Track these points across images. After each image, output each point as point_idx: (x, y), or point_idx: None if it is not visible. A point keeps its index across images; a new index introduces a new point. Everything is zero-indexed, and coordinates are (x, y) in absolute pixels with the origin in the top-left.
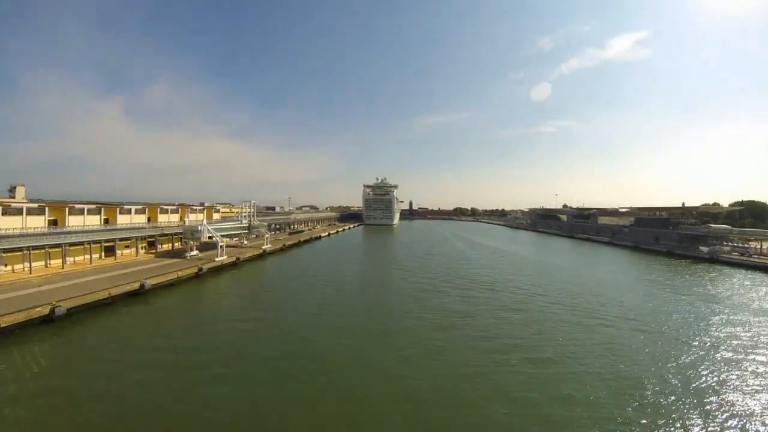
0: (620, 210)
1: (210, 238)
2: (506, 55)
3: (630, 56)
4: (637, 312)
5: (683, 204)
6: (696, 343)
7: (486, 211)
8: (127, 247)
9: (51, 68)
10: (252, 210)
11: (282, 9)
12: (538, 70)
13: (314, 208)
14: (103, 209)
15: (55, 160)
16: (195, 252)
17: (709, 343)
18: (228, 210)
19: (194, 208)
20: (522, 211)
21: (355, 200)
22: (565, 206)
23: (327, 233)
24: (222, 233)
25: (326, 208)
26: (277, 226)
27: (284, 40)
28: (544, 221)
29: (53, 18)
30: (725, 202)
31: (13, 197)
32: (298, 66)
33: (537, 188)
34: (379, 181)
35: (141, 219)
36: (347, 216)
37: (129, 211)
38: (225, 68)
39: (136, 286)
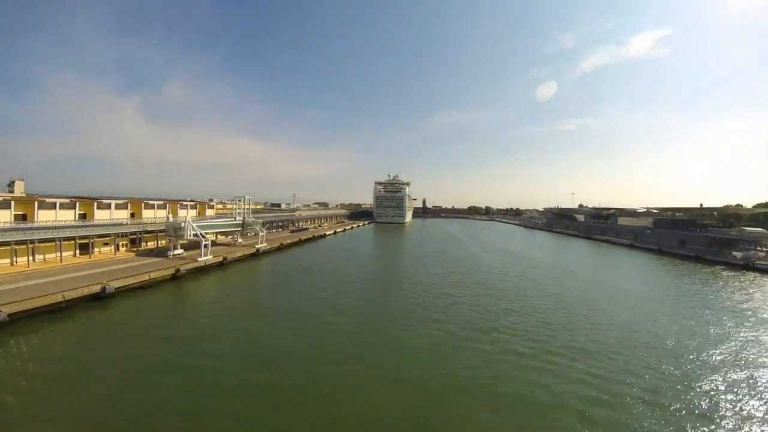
0: (638, 211)
1: (195, 236)
2: (527, 52)
3: (651, 54)
4: (678, 338)
5: (701, 205)
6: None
7: (500, 210)
8: (105, 244)
9: (70, 68)
10: (247, 207)
11: (299, 7)
12: (559, 67)
13: (323, 206)
14: (78, 204)
15: (74, 158)
16: (179, 251)
17: None
18: (222, 207)
19: (184, 203)
20: (537, 211)
21: (368, 198)
22: (581, 206)
23: (333, 231)
24: (213, 230)
25: (336, 206)
26: (280, 224)
27: (301, 38)
28: (561, 221)
29: (72, 19)
30: (747, 204)
31: (12, 191)
32: (315, 65)
33: (552, 187)
34: (391, 177)
35: (122, 215)
36: (358, 214)
37: (108, 206)
38: (243, 66)
39: (97, 289)
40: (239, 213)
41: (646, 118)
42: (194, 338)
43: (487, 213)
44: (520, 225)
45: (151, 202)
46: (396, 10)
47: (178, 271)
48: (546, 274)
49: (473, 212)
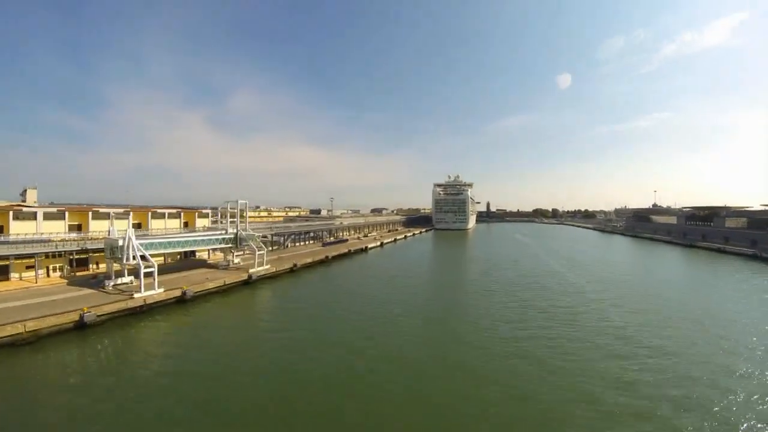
0: (753, 210)
1: (142, 257)
2: (595, 47)
3: (729, 43)
4: None
5: None
6: None
7: (568, 212)
8: (29, 267)
9: (137, 83)
10: (243, 214)
11: (363, 18)
12: (631, 61)
13: (377, 212)
14: (68, 214)
15: (144, 169)
16: (126, 279)
17: None
18: (267, 214)
19: (158, 212)
20: (615, 212)
21: (427, 202)
22: (668, 207)
23: (380, 243)
24: (183, 248)
25: (393, 212)
26: (312, 235)
27: (364, 48)
28: (645, 224)
29: (139, 37)
30: None
31: (24, 200)
32: (379, 73)
33: (622, 187)
34: (452, 179)
35: (57, 227)
36: (415, 220)
37: (33, 217)
38: (309, 76)
39: None
40: (232, 223)
41: (729, 108)
42: None
43: (554, 216)
44: (594, 229)
45: (103, 211)
46: (446, 9)
47: (81, 319)
48: (674, 323)
49: (539, 215)
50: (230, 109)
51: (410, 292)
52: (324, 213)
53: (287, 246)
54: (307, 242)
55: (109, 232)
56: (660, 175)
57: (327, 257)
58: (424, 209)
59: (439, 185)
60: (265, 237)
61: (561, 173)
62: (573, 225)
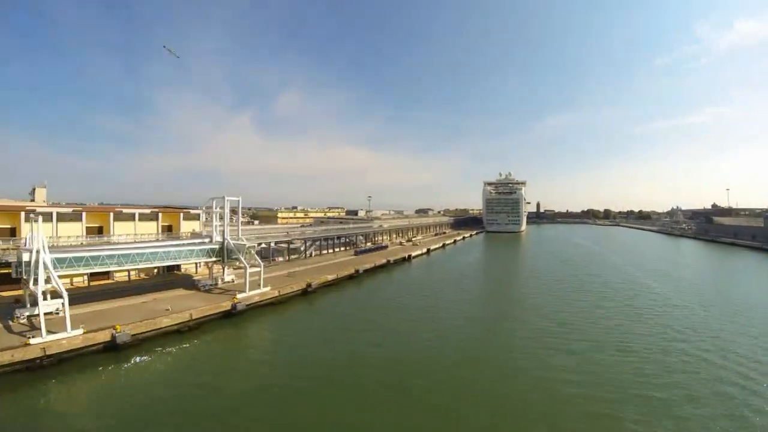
0: None
1: (47, 280)
2: (652, 40)
3: None
4: None
5: None
6: None
7: (621, 213)
8: None
9: (184, 87)
10: (234, 216)
11: (410, 20)
12: (686, 53)
13: (423, 213)
14: None
15: (189, 171)
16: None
17: None
18: (303, 215)
19: (124, 212)
20: (683, 212)
21: (476, 203)
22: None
23: (425, 249)
24: (138, 264)
25: (439, 212)
26: (344, 240)
27: (411, 49)
28: (721, 227)
29: (186, 42)
30: None
31: (33, 199)
32: (426, 74)
33: (677, 186)
34: (503, 177)
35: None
36: (464, 221)
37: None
38: (355, 76)
39: None
40: (219, 229)
41: None
42: None
43: (607, 216)
44: (659, 232)
45: (128, 211)
46: (497, 9)
47: None
48: None
49: (590, 216)
50: (276, 111)
51: (477, 332)
52: (362, 214)
53: (310, 255)
54: (337, 249)
55: (25, 240)
56: (721, 173)
57: (357, 271)
58: (473, 210)
59: (489, 183)
60: (280, 244)
61: (609, 173)
62: (630, 227)
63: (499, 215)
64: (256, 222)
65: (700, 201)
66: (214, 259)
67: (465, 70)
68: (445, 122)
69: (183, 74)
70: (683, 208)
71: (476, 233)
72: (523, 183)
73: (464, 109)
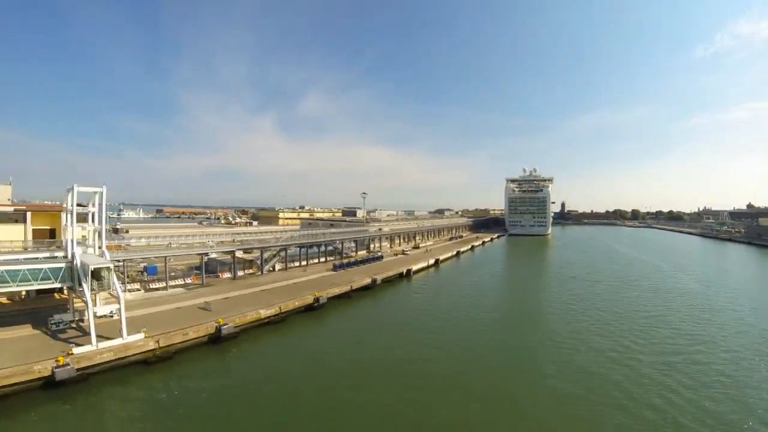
0: None
1: None
2: (689, 35)
3: None
4: None
5: None
6: None
7: (649, 213)
8: None
9: (209, 89)
10: (101, 221)
11: (437, 24)
12: (721, 48)
13: (438, 213)
14: None
15: (213, 171)
16: None
17: None
18: (308, 215)
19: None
20: (729, 214)
21: (494, 202)
22: None
23: (433, 260)
24: None
25: (456, 213)
26: (329, 249)
27: (430, 50)
28: None
29: (211, 45)
30: None
31: None
32: (448, 75)
33: (707, 186)
34: (527, 173)
35: None
36: (484, 223)
37: None
38: (379, 77)
39: None
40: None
41: None
42: None
43: (635, 217)
44: (700, 235)
45: None
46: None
47: None
48: None
49: (618, 216)
50: (298, 112)
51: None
52: (361, 214)
53: (272, 269)
54: (317, 260)
55: None
56: (747, 173)
57: (316, 301)
58: (494, 210)
59: (512, 180)
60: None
61: (633, 172)
62: (665, 229)
63: (523, 216)
64: (255, 223)
65: (729, 201)
66: (58, 285)
67: (487, 69)
68: (465, 122)
69: (208, 76)
70: (710, 208)
71: (497, 236)
72: (550, 180)
73: (485, 109)
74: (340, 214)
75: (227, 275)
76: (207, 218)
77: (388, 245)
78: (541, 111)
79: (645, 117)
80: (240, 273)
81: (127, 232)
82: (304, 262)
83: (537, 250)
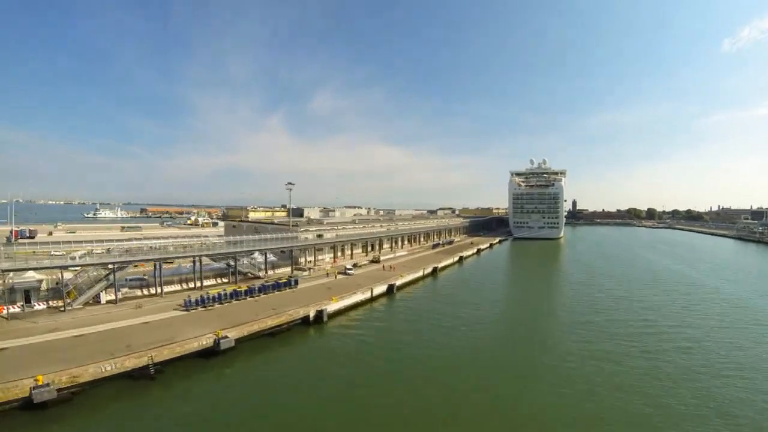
0: None
1: None
2: (713, 31)
3: None
4: None
5: None
6: None
7: (665, 212)
8: None
9: (220, 89)
10: None
11: (450, 26)
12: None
13: (431, 212)
14: None
15: (223, 171)
16: None
17: None
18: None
19: None
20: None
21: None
22: None
23: (381, 287)
24: None
25: (453, 212)
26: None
27: (438, 53)
28: None
29: (220, 45)
30: None
31: None
32: (465, 74)
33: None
34: (535, 165)
35: None
36: (485, 224)
37: None
38: (389, 75)
39: None
40: None
41: None
42: None
43: (651, 217)
44: (736, 238)
45: None
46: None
47: None
48: None
49: (634, 216)
50: (309, 111)
51: None
52: (312, 214)
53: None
54: (220, 279)
55: None
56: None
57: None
58: (498, 209)
59: (518, 174)
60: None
61: (641, 171)
62: (692, 230)
63: (530, 215)
64: (221, 223)
65: (738, 201)
66: None
67: (502, 66)
68: (477, 121)
69: (219, 75)
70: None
71: (498, 241)
72: (563, 173)
73: (499, 106)
74: (285, 215)
75: (40, 306)
76: (171, 218)
77: (332, 258)
78: (555, 109)
79: (658, 115)
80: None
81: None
82: (182, 285)
83: (548, 264)
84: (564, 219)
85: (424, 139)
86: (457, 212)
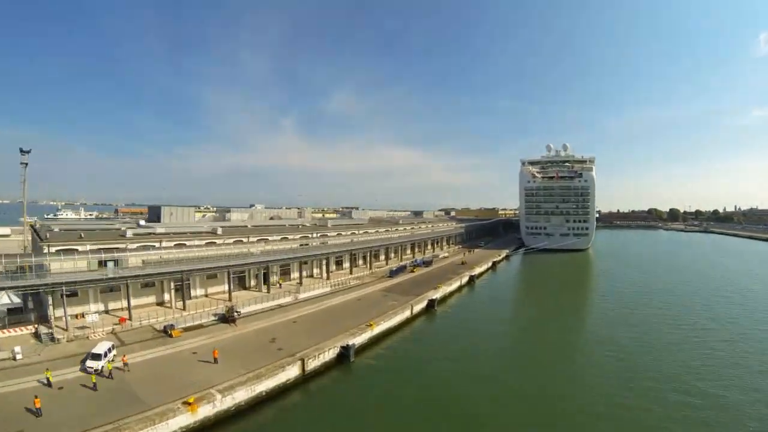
0: None
1: None
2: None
3: None
4: None
5: None
6: None
7: (688, 213)
8: None
9: (235, 88)
10: None
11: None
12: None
13: (416, 214)
14: None
15: (237, 171)
16: None
17: None
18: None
19: None
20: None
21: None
22: None
23: None
24: None
25: (446, 213)
26: None
27: (457, 51)
28: None
29: (236, 44)
30: None
31: None
32: (480, 74)
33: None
34: (552, 152)
35: None
36: (489, 228)
37: None
38: (403, 75)
39: None
40: None
41: None
42: None
43: (674, 218)
44: None
45: None
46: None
47: None
48: None
49: (656, 217)
50: (325, 112)
51: None
52: (236, 217)
53: None
54: None
55: None
56: None
57: None
58: (504, 210)
59: (533, 163)
60: None
61: (665, 172)
62: (738, 235)
63: (550, 218)
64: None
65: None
66: None
67: (519, 64)
68: (496, 126)
69: (234, 74)
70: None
71: (504, 257)
72: (591, 161)
73: (511, 103)
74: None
75: None
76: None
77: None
78: (573, 110)
79: (698, 113)
80: None
81: None
82: None
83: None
84: (595, 223)
85: (438, 142)
86: (453, 214)
